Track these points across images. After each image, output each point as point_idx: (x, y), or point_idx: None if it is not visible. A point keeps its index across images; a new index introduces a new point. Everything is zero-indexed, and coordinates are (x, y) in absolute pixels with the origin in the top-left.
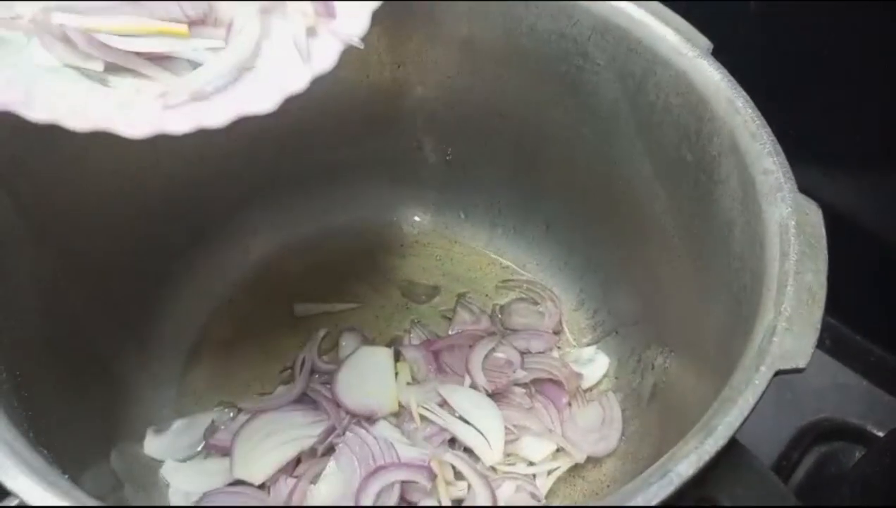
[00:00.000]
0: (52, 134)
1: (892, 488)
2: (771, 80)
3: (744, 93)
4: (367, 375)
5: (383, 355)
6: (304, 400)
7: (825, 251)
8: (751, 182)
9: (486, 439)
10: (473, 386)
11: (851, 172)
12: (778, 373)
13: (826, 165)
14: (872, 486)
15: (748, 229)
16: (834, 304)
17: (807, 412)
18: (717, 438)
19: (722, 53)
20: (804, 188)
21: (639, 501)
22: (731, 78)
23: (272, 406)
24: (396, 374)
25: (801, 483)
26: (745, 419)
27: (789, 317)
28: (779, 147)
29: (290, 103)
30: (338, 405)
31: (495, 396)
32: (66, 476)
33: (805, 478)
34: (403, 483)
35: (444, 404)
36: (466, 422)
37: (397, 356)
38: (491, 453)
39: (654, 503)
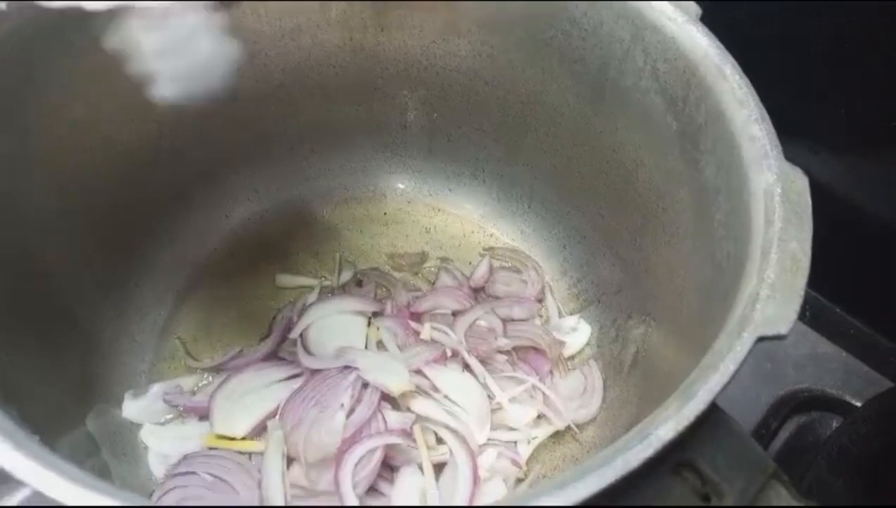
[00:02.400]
0: (29, 86)
1: (868, 455)
2: (758, 52)
3: (732, 59)
4: (338, 329)
5: (354, 309)
6: (280, 358)
7: (810, 220)
8: (737, 149)
9: (471, 420)
10: (455, 354)
11: (836, 147)
12: (760, 339)
13: (811, 139)
14: (848, 454)
15: (733, 196)
16: (815, 277)
17: (786, 382)
18: (698, 402)
19: (712, 24)
20: (788, 161)
21: (618, 463)
22: (720, 44)
23: (246, 363)
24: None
25: (780, 450)
26: (727, 385)
27: (772, 284)
28: (766, 114)
29: (272, 66)
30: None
31: None
32: (38, 439)
33: (783, 446)
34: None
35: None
36: (452, 402)
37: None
38: (476, 435)
39: (633, 465)
